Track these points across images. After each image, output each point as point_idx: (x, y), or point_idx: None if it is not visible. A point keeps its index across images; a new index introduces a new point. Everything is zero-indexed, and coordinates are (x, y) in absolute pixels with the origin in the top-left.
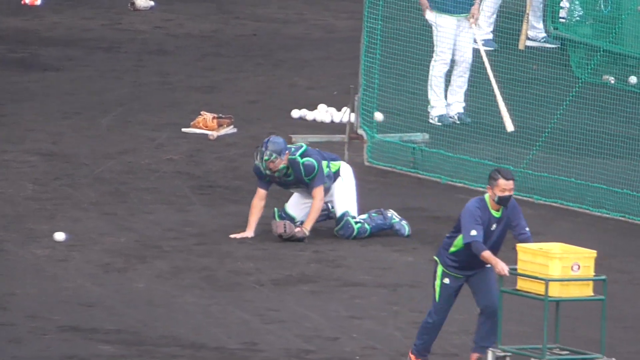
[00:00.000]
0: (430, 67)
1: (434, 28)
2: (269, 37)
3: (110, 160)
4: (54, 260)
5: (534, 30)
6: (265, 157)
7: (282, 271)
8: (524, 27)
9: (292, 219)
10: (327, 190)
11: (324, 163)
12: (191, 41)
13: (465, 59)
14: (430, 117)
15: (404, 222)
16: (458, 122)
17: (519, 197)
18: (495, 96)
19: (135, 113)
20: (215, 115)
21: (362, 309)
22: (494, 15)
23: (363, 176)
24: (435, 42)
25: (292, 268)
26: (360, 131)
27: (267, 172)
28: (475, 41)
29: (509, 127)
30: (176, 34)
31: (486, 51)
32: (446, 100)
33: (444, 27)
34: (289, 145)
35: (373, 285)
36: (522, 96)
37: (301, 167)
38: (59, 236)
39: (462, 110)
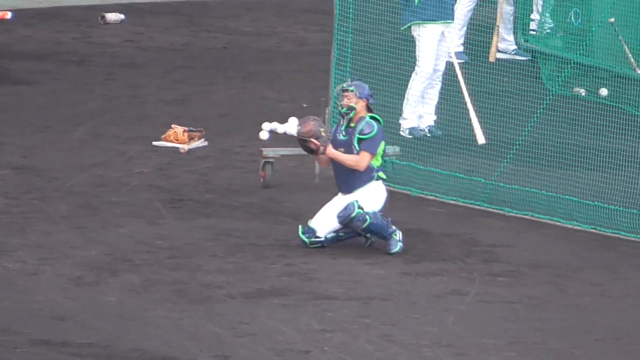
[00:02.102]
0: (411, 80)
1: (416, 40)
2: (240, 50)
3: (82, 173)
4: (25, 273)
5: (505, 43)
6: (344, 86)
7: (253, 284)
8: (494, 40)
9: (313, 232)
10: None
11: (383, 144)
12: (162, 54)
13: (440, 68)
14: (401, 129)
15: (400, 244)
16: (429, 134)
17: (490, 209)
18: (466, 108)
19: (107, 126)
20: (186, 129)
21: (334, 322)
22: (465, 28)
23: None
24: (417, 55)
25: (264, 281)
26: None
27: (338, 102)
28: (449, 54)
29: (480, 139)
30: (147, 47)
31: (458, 63)
32: (418, 113)
33: (428, 37)
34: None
35: (345, 298)
36: (493, 108)
37: (363, 122)
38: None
39: (433, 123)
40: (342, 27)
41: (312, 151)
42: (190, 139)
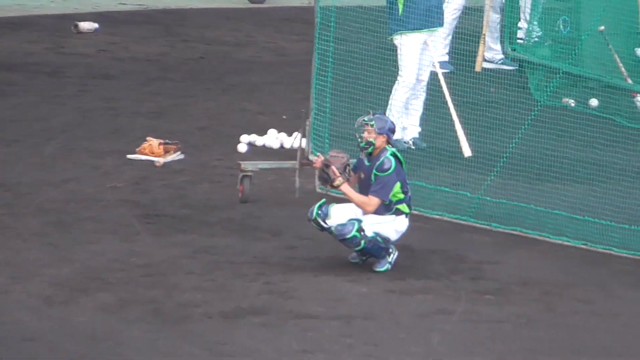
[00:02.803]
0: (393, 91)
1: (398, 50)
2: (218, 61)
3: (53, 189)
4: None
5: (491, 52)
6: (366, 119)
7: (231, 303)
8: (480, 49)
9: (326, 215)
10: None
11: (398, 185)
12: (137, 65)
13: (423, 78)
14: None
15: (388, 265)
16: (413, 147)
17: (477, 224)
18: (452, 120)
19: (79, 140)
20: (162, 142)
21: (315, 342)
22: (450, 36)
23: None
24: (400, 65)
25: (242, 300)
26: (311, 157)
27: (357, 134)
28: (433, 63)
29: (466, 152)
30: (121, 58)
31: (443, 73)
32: (401, 125)
33: (410, 46)
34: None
35: (326, 318)
36: (480, 120)
37: (383, 157)
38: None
39: (417, 135)
40: (323, 37)
41: (327, 180)
42: (166, 152)
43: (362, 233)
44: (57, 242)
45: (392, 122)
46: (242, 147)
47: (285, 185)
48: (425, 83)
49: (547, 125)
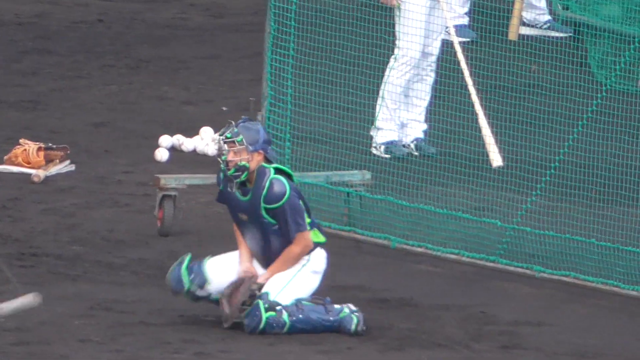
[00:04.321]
0: (387, 70)
1: (396, 12)
2: (122, 25)
3: None
4: None
5: (533, 12)
6: (228, 134)
7: None
8: (516, 7)
9: (203, 280)
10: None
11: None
12: (3, 31)
13: (431, 51)
14: (374, 144)
15: (355, 315)
16: (416, 152)
17: (510, 267)
18: (474, 113)
19: None
20: (42, 145)
21: None
22: None
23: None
24: (397, 32)
25: None
26: None
27: (221, 160)
28: (446, 29)
29: (495, 160)
30: None
31: (460, 43)
32: (399, 120)
33: (414, 3)
34: (271, 151)
35: None
36: (515, 113)
37: (266, 182)
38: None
39: (421, 135)
40: None
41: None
42: (49, 160)
43: (275, 309)
44: None
45: (264, 130)
46: (161, 154)
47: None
48: (434, 58)
49: (616, 121)
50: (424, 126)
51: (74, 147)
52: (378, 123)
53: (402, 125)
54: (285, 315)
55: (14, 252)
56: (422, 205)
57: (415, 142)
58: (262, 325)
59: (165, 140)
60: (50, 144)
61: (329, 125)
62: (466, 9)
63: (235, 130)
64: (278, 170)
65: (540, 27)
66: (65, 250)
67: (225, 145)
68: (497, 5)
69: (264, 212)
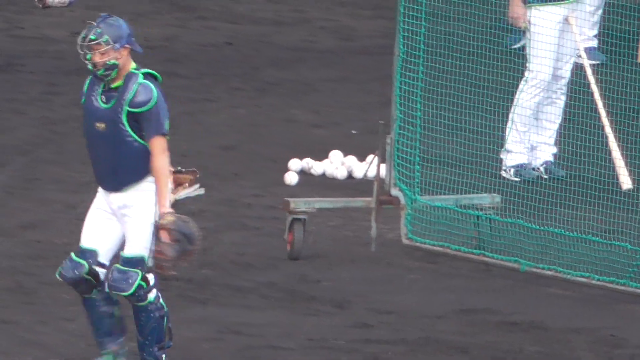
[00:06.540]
0: (517, 93)
1: (526, 32)
2: (251, 48)
3: (6, 239)
4: None
5: None
6: (92, 36)
7: None
8: None
9: (93, 254)
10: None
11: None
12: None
13: (561, 74)
14: (504, 167)
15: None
16: (545, 175)
17: None
18: (605, 136)
19: (45, 165)
20: (172, 169)
21: None
22: (600, 11)
23: (400, 260)
24: (528, 55)
25: None
26: (394, 191)
27: (87, 62)
28: (577, 52)
29: (625, 183)
30: None
31: (590, 65)
32: (529, 143)
33: (543, 27)
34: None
35: None
36: None
37: (135, 85)
38: None
39: (552, 159)
40: (410, 11)
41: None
42: (178, 184)
43: (148, 283)
44: None
45: (126, 23)
46: (290, 177)
47: (355, 233)
48: (565, 81)
49: None
50: (554, 149)
51: (203, 170)
52: (508, 146)
53: (532, 148)
54: (150, 295)
55: None
56: (551, 229)
57: (544, 165)
58: (130, 291)
59: (295, 164)
60: (179, 168)
61: (458, 148)
62: (595, 32)
63: (99, 30)
64: (147, 75)
65: None
66: (195, 274)
67: (90, 45)
68: (626, 28)
69: (125, 118)
